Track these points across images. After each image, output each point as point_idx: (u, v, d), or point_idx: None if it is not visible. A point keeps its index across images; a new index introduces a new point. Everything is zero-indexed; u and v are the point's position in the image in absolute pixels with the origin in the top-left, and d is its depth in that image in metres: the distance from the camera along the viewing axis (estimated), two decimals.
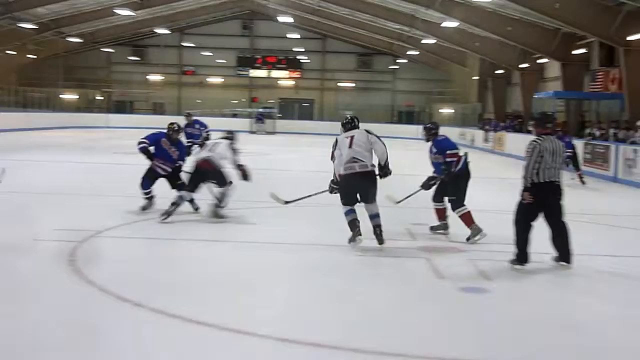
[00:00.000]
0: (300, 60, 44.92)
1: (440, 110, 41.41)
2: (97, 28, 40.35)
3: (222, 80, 45.69)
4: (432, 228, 8.25)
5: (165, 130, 9.48)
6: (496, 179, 15.92)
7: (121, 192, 10.78)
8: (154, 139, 9.36)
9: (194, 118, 14.93)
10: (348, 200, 7.31)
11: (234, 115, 40.80)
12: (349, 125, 7.55)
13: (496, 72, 32.85)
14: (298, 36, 40.69)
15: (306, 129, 38.43)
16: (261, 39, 45.05)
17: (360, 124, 7.62)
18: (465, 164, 8.00)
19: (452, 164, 7.86)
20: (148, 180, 9.32)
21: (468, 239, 7.71)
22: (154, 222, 8.51)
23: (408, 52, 38.79)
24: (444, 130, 8.59)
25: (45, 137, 26.36)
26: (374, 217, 7.27)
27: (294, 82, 45.68)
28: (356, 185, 7.25)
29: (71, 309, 5.06)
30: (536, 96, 25.47)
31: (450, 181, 7.87)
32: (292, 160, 20.32)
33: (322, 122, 41.04)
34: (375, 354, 4.33)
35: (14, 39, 36.35)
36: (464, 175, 7.97)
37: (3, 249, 6.77)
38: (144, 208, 9.24)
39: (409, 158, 17.91)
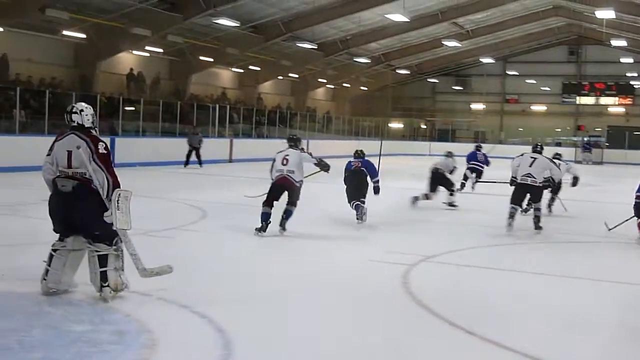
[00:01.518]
0: (634, 86, 41.88)
1: None
2: (424, 60, 42.26)
3: (546, 108, 44.52)
4: None
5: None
6: None
7: (449, 218, 11.15)
8: None
9: (482, 152, 17.79)
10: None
11: (558, 144, 39.46)
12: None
13: None
14: (631, 60, 38.05)
15: (637, 160, 35.56)
16: (589, 65, 43.04)
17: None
18: None
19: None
20: None
21: None
22: (480, 249, 8.74)
23: None
24: None
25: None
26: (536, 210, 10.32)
27: (624, 110, 42.74)
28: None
29: (403, 329, 5.42)
30: None
31: None
32: (620, 193, 19.01)
33: None
34: None
35: (350, 73, 39.91)
36: None
37: (340, 268, 7.51)
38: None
39: None
